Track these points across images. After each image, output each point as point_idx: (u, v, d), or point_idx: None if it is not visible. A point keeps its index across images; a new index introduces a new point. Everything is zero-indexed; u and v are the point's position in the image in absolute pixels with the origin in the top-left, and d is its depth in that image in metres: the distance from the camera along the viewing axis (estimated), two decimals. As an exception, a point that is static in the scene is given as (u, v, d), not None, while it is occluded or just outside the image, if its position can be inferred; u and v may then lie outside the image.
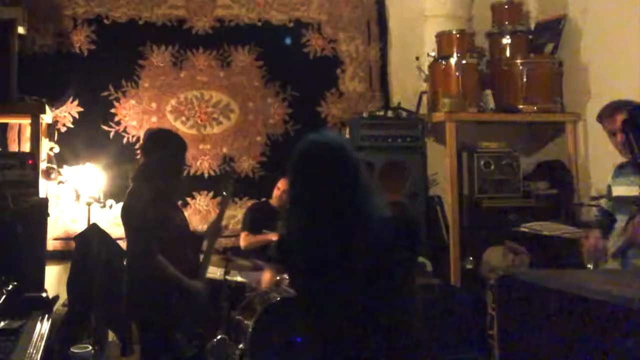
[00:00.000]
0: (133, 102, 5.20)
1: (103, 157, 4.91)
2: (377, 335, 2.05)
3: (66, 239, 4.92)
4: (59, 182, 4.85)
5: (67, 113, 5.07)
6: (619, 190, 3.34)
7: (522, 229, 4.75)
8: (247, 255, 4.67)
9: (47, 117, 4.71)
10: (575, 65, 5.23)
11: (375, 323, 2.05)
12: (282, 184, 4.92)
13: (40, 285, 3.59)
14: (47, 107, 4.60)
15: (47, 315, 2.65)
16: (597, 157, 4.95)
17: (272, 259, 4.57)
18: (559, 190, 5.21)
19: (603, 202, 3.56)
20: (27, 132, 4.74)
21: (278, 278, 4.45)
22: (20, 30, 4.52)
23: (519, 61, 5.20)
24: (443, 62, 5.26)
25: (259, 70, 5.43)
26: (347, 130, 5.27)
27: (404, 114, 5.31)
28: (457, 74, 5.17)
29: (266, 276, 4.61)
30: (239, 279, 4.54)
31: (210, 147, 5.31)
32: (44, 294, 2.86)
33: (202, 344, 3.88)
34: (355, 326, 2.06)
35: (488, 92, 5.34)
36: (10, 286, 2.71)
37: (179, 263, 3.24)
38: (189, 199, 5.19)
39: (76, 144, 4.97)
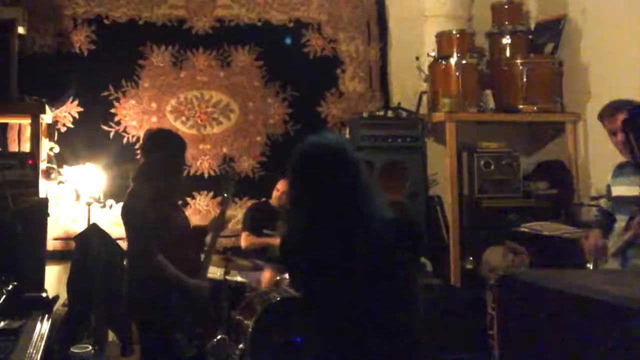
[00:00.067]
0: (133, 102, 5.20)
1: (103, 157, 4.91)
2: (378, 336, 2.05)
3: (66, 239, 4.92)
4: (59, 182, 4.85)
5: (67, 113, 5.07)
6: (619, 190, 3.34)
7: (522, 229, 4.75)
8: (247, 255, 4.67)
9: (47, 117, 4.71)
10: (575, 65, 5.23)
11: (377, 323, 2.05)
12: (281, 186, 4.92)
13: (40, 285, 3.59)
14: (47, 107, 4.60)
15: (47, 315, 2.65)
16: (597, 157, 4.95)
17: (275, 260, 4.58)
18: (559, 190, 5.21)
19: (603, 202, 3.57)
20: (27, 132, 4.74)
21: (278, 278, 4.45)
22: (20, 30, 4.52)
23: (519, 61, 5.20)
24: (443, 62, 5.27)
25: (259, 70, 5.43)
26: (347, 130, 5.27)
27: (404, 114, 5.31)
28: (457, 74, 5.18)
29: (266, 276, 4.62)
30: (239, 279, 4.54)
31: (210, 147, 5.31)
32: (44, 294, 2.86)
33: (202, 344, 3.88)
34: (356, 327, 2.06)
35: (488, 92, 5.34)
36: (10, 286, 2.71)
37: (179, 262, 3.24)
38: (189, 199, 5.19)
39: (76, 144, 4.97)
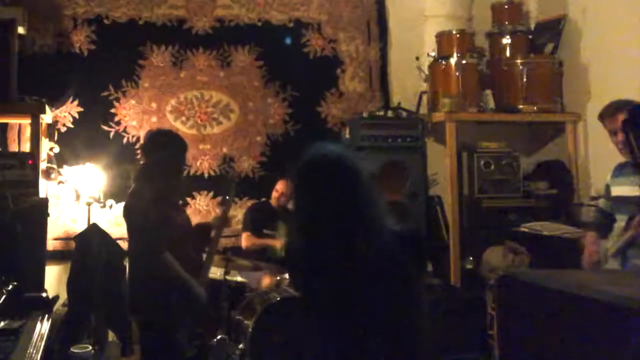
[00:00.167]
0: (133, 102, 5.20)
1: (103, 157, 4.91)
2: (378, 337, 2.05)
3: (66, 239, 4.92)
4: (59, 182, 4.85)
5: (67, 113, 5.07)
6: (619, 190, 3.34)
7: (522, 229, 4.75)
8: (248, 255, 4.67)
9: (47, 117, 4.72)
10: (575, 65, 5.23)
11: (376, 324, 2.05)
12: (280, 186, 4.93)
13: (40, 285, 3.60)
14: (47, 107, 4.60)
15: (47, 315, 2.66)
16: (597, 157, 4.95)
17: (275, 260, 4.59)
18: (559, 190, 5.21)
19: (601, 202, 3.57)
20: (27, 132, 4.74)
21: (278, 278, 4.45)
22: (20, 30, 4.52)
23: (519, 61, 5.20)
24: (443, 62, 5.27)
25: (259, 70, 5.43)
26: (347, 130, 5.27)
27: (404, 114, 5.31)
28: (457, 74, 5.18)
29: (266, 277, 4.62)
30: (239, 279, 4.54)
31: (210, 147, 5.32)
32: (44, 294, 2.86)
33: (202, 344, 3.88)
34: (356, 327, 2.07)
35: (488, 92, 5.34)
36: (10, 286, 2.71)
37: (181, 263, 3.24)
38: (189, 199, 5.19)
39: (76, 144, 4.97)
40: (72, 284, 4.43)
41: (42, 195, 4.43)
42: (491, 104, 5.31)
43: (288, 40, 5.50)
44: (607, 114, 3.41)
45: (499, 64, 5.40)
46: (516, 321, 2.19)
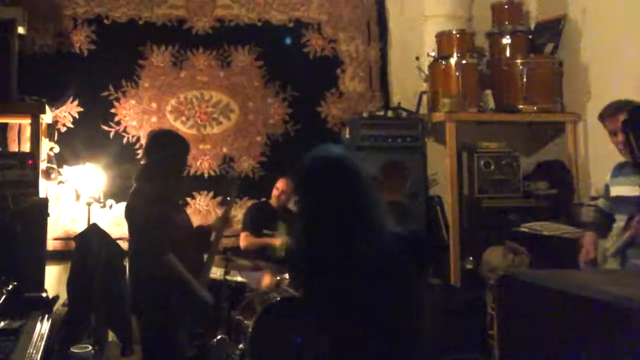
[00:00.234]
0: (133, 102, 5.20)
1: (103, 157, 4.91)
2: (378, 337, 2.05)
3: (66, 239, 4.92)
4: (59, 182, 4.85)
5: (67, 113, 5.07)
6: (619, 190, 3.34)
7: (522, 229, 4.75)
8: (247, 255, 4.67)
9: (47, 117, 4.71)
10: (575, 65, 5.23)
11: (376, 324, 2.05)
12: (280, 184, 4.93)
13: (40, 285, 3.59)
14: (47, 107, 4.60)
15: (47, 315, 2.66)
16: (597, 157, 4.95)
17: (275, 260, 4.59)
18: (559, 190, 5.21)
19: (600, 203, 3.57)
20: (27, 132, 4.74)
21: (278, 278, 4.45)
22: (20, 30, 4.52)
23: (519, 61, 5.20)
24: (443, 62, 5.26)
25: (259, 70, 5.43)
26: (347, 130, 5.27)
27: (404, 114, 5.31)
28: (457, 74, 5.17)
29: (266, 277, 4.62)
30: (239, 279, 4.54)
31: (210, 147, 5.31)
32: (44, 294, 2.86)
33: (202, 344, 3.88)
34: (356, 327, 2.07)
35: (488, 92, 5.34)
36: (10, 286, 2.71)
37: (182, 263, 3.25)
38: (189, 199, 5.19)
39: (76, 144, 4.97)
40: (72, 284, 4.43)
41: (42, 195, 4.43)
42: (491, 104, 5.31)
43: (288, 40, 5.50)
44: (607, 114, 3.41)
45: (499, 64, 5.40)
46: (516, 321, 2.19)
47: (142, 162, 3.69)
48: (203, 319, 3.76)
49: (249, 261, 4.45)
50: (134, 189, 3.38)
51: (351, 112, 5.47)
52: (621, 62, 4.67)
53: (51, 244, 4.76)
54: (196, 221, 5.05)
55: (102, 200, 4.81)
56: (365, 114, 5.28)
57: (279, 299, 4.01)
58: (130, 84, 5.20)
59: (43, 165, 4.62)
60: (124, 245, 4.62)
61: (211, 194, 5.26)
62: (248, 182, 5.28)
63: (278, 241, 4.72)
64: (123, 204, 4.59)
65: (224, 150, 5.34)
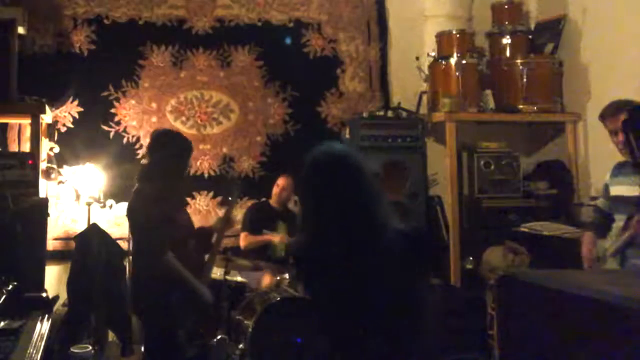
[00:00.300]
0: (133, 102, 5.20)
1: (103, 157, 4.91)
2: (379, 337, 2.05)
3: (66, 239, 4.92)
4: (59, 182, 4.85)
5: (67, 113, 5.07)
6: (618, 190, 3.34)
7: (522, 229, 4.75)
8: (247, 255, 4.67)
9: (47, 117, 4.72)
10: (575, 65, 5.23)
11: (378, 324, 2.05)
12: (281, 181, 4.93)
13: (40, 285, 3.60)
14: (47, 107, 4.60)
15: (47, 315, 2.66)
16: (597, 157, 4.95)
17: (275, 260, 4.59)
18: (559, 190, 5.21)
19: (600, 203, 3.57)
20: (27, 132, 4.74)
21: (278, 278, 4.45)
22: (20, 30, 4.52)
23: (519, 61, 5.20)
24: (443, 62, 5.27)
25: (259, 70, 5.43)
26: (347, 130, 5.27)
27: (404, 114, 5.31)
28: (457, 74, 5.18)
29: (266, 277, 4.62)
30: (239, 279, 4.54)
31: (210, 147, 5.32)
32: (44, 294, 2.87)
33: (202, 344, 3.88)
34: (357, 327, 2.07)
35: (488, 92, 5.34)
36: (10, 286, 2.71)
37: (183, 262, 3.25)
38: (189, 199, 5.19)
39: (76, 144, 4.97)
40: (72, 284, 4.43)
41: (42, 195, 4.43)
42: (491, 104, 5.31)
43: (288, 40, 5.50)
44: (608, 113, 3.41)
45: (499, 64, 5.40)
46: (516, 321, 2.19)
47: (144, 162, 3.69)
48: (204, 319, 3.75)
49: (249, 261, 4.45)
50: (136, 188, 3.39)
51: (351, 112, 5.47)
52: (621, 62, 4.67)
53: (51, 244, 4.76)
54: (196, 221, 5.05)
55: (102, 200, 4.82)
56: (365, 114, 5.28)
57: (279, 299, 4.01)
58: (130, 84, 5.20)
59: (43, 165, 4.63)
60: (124, 245, 4.63)
61: (211, 194, 5.26)
62: (248, 182, 5.28)
63: (277, 237, 4.73)
64: (123, 204, 4.61)
65: (224, 150, 5.34)
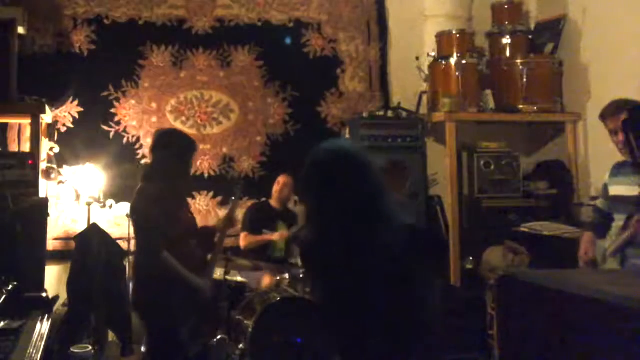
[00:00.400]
0: (133, 102, 5.20)
1: (103, 157, 4.91)
2: (379, 336, 2.05)
3: (66, 239, 4.92)
4: (59, 182, 4.85)
5: (67, 113, 5.07)
6: (618, 190, 3.33)
7: (522, 229, 4.75)
8: (247, 255, 4.67)
9: (47, 117, 4.72)
10: (575, 65, 5.23)
11: (379, 324, 2.05)
12: (281, 179, 4.92)
13: (40, 285, 3.60)
14: (47, 107, 4.60)
15: (47, 315, 2.66)
16: (597, 157, 4.95)
17: (275, 259, 4.58)
18: (559, 190, 5.21)
19: (599, 202, 3.56)
20: (27, 132, 4.74)
21: (278, 278, 4.45)
22: (20, 30, 4.52)
23: (519, 61, 5.20)
24: (443, 62, 5.27)
25: (259, 70, 5.43)
26: (347, 130, 5.28)
27: (404, 114, 5.31)
28: (457, 74, 5.18)
29: (266, 277, 4.62)
30: (239, 279, 4.54)
31: (210, 147, 5.31)
32: (44, 294, 2.87)
33: (205, 342, 3.88)
34: (358, 327, 2.07)
35: (488, 92, 5.34)
36: (10, 286, 2.71)
37: (185, 260, 3.25)
38: (189, 199, 5.18)
39: (76, 144, 4.97)
40: (72, 284, 4.43)
41: (42, 195, 4.43)
42: (491, 104, 5.31)
43: (288, 40, 5.50)
44: (608, 113, 3.41)
45: (499, 64, 5.40)
46: (516, 321, 2.19)
47: (148, 161, 3.70)
48: (205, 317, 3.75)
49: (249, 261, 4.45)
50: (138, 187, 3.39)
51: (351, 112, 5.47)
52: (621, 62, 4.67)
53: (51, 244, 4.76)
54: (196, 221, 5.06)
55: (102, 200, 4.82)
56: (365, 114, 5.29)
57: (279, 299, 4.00)
58: (130, 84, 5.20)
59: (43, 165, 4.63)
60: (124, 245, 4.63)
61: (211, 194, 5.26)
62: (248, 182, 5.27)
63: (276, 236, 4.73)
64: (123, 204, 4.62)
65: (224, 150, 5.34)
